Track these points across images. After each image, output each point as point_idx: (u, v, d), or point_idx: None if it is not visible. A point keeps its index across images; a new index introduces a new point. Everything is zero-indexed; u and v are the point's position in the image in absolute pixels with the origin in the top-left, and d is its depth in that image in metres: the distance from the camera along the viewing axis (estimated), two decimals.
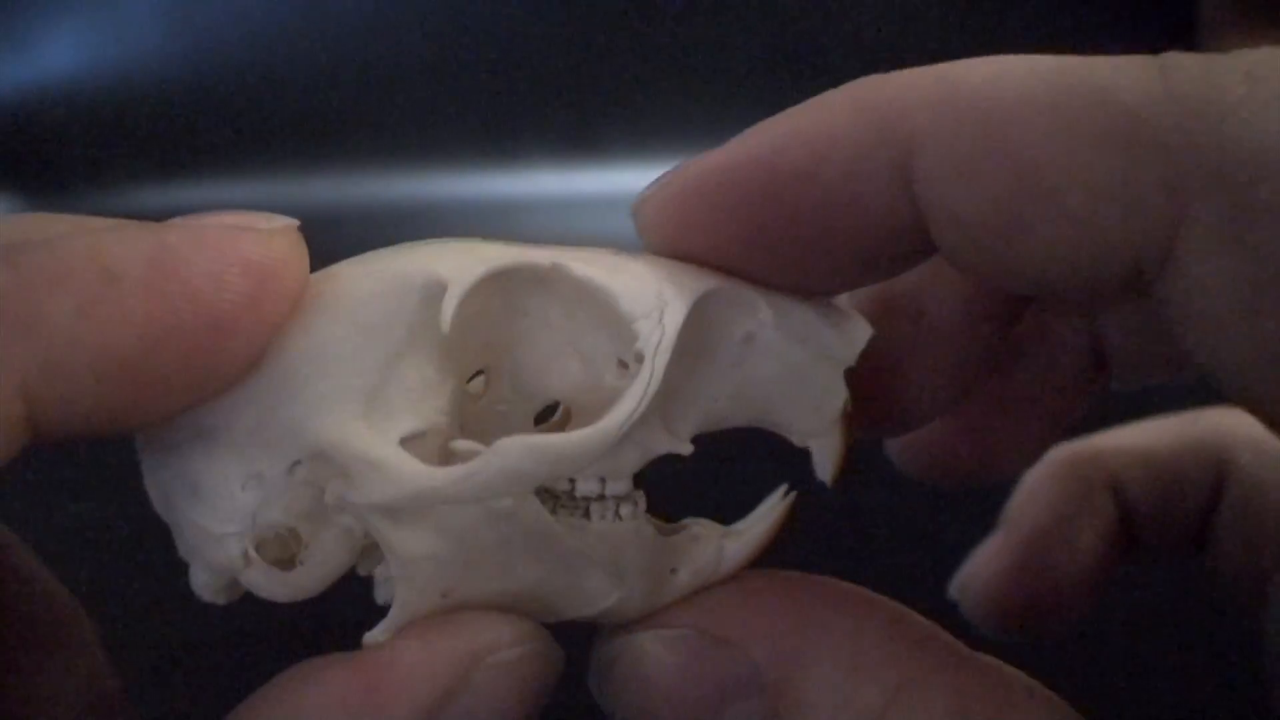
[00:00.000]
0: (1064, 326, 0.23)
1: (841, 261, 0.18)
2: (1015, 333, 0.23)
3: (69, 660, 0.19)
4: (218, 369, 0.16)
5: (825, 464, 0.20)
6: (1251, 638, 0.23)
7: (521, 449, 0.16)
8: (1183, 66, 0.16)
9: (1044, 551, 0.26)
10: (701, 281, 0.18)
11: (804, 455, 0.20)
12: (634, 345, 0.17)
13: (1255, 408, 0.16)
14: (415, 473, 0.16)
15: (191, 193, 0.72)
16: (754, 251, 0.18)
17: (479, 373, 0.19)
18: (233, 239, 0.16)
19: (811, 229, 0.17)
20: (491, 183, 0.72)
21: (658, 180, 0.19)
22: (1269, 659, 0.21)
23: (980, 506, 0.27)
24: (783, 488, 0.20)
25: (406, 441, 0.17)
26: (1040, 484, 0.27)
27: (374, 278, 0.18)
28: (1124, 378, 0.24)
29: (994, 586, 0.26)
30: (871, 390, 0.20)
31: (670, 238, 0.19)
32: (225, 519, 0.17)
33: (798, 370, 0.19)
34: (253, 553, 0.17)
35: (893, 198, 0.17)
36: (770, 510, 0.20)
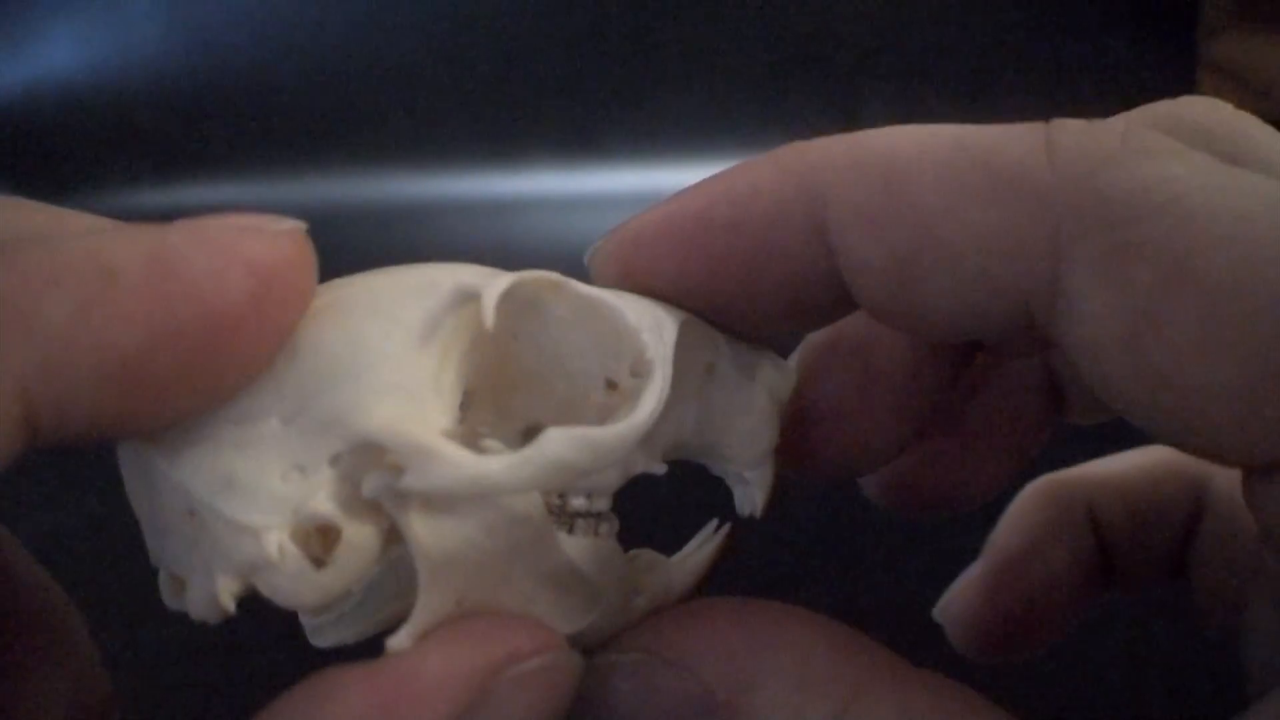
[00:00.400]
0: (1018, 364, 0.25)
1: (769, 308, 0.20)
2: (972, 370, 0.24)
3: (59, 661, 0.19)
4: (221, 371, 0.16)
5: (755, 496, 0.21)
6: (1233, 662, 0.23)
7: (568, 438, 0.17)
8: (1065, 129, 0.17)
9: (1018, 577, 0.27)
10: (677, 310, 0.19)
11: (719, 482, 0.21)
12: (643, 355, 0.18)
13: (1147, 428, 0.17)
14: (471, 460, 0.16)
15: (191, 193, 0.72)
16: (691, 297, 0.20)
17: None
18: (236, 238, 0.16)
19: (740, 276, 0.19)
20: (491, 183, 0.72)
21: (608, 233, 0.21)
22: (1248, 683, 0.22)
23: (966, 527, 0.28)
24: (713, 521, 0.21)
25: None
26: (1018, 513, 0.28)
27: (402, 285, 0.18)
28: (1079, 413, 0.25)
29: (971, 611, 0.27)
30: (821, 434, 0.22)
31: (618, 284, 0.20)
32: (266, 511, 0.17)
33: (745, 403, 0.20)
34: (289, 545, 0.17)
35: (810, 247, 0.19)
36: (706, 541, 0.21)
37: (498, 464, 0.16)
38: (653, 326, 0.18)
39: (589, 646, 0.19)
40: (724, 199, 0.19)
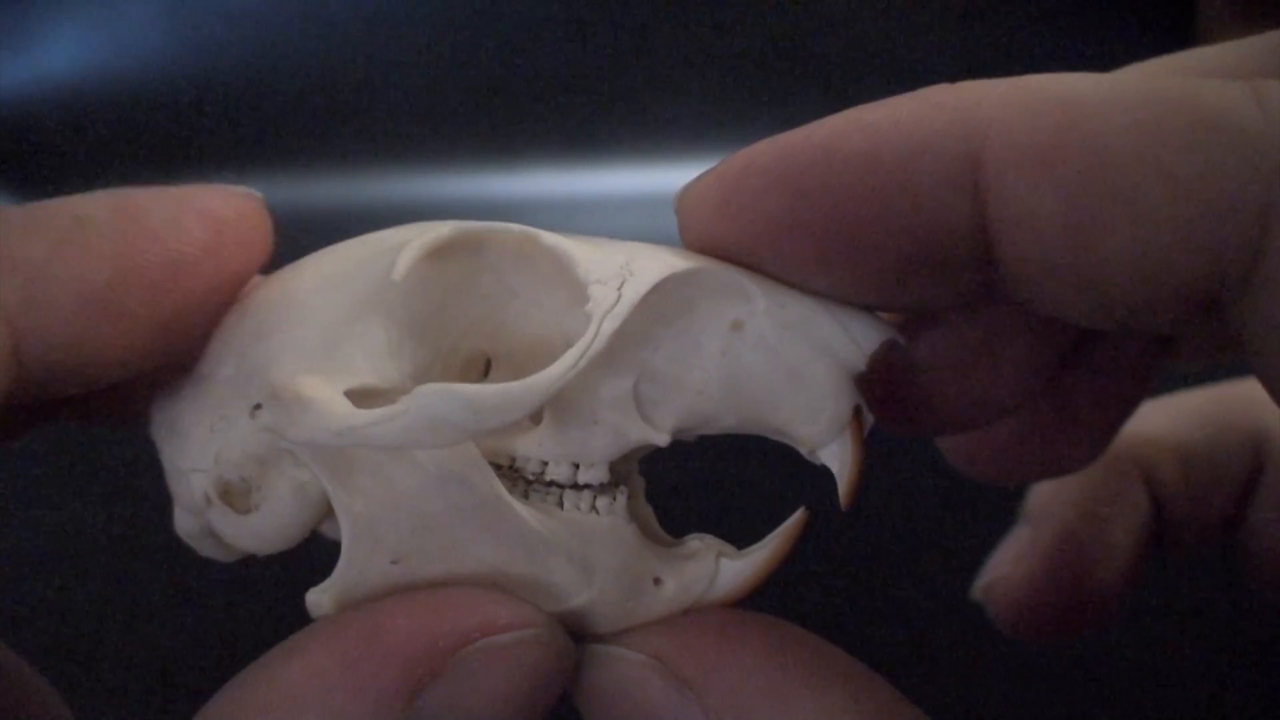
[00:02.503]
0: None
1: (888, 263, 0.16)
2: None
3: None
4: (182, 307, 0.17)
5: (838, 479, 0.18)
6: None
7: (437, 393, 0.16)
8: (1271, 84, 0.15)
9: (1076, 552, 0.24)
10: (686, 261, 0.17)
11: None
12: (585, 308, 0.17)
13: None
14: (339, 413, 0.17)
15: None
16: (798, 244, 0.17)
17: (488, 361, 0.19)
18: (191, 193, 0.18)
19: (863, 221, 0.16)
20: (491, 183, 0.72)
21: (705, 171, 0.18)
22: None
23: (986, 508, 0.27)
24: (799, 511, 0.19)
25: (359, 395, 0.17)
26: (1068, 477, 0.25)
27: (358, 244, 0.18)
28: (1193, 356, 0.22)
29: (1023, 590, 0.25)
30: (929, 388, 0.19)
31: (710, 223, 0.17)
32: (193, 457, 0.18)
33: (792, 368, 0.18)
34: (212, 493, 0.18)
35: (956, 191, 0.16)
36: (776, 534, 0.19)
37: (365, 418, 0.16)
38: (609, 278, 0.17)
39: (598, 630, 0.18)
40: (856, 129, 0.16)
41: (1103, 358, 0.21)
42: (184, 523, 0.18)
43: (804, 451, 0.18)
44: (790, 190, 0.16)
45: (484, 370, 0.19)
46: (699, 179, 0.18)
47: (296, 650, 0.16)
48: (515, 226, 0.18)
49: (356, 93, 0.74)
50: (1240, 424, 0.25)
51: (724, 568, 0.18)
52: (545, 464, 0.18)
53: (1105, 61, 0.21)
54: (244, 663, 0.16)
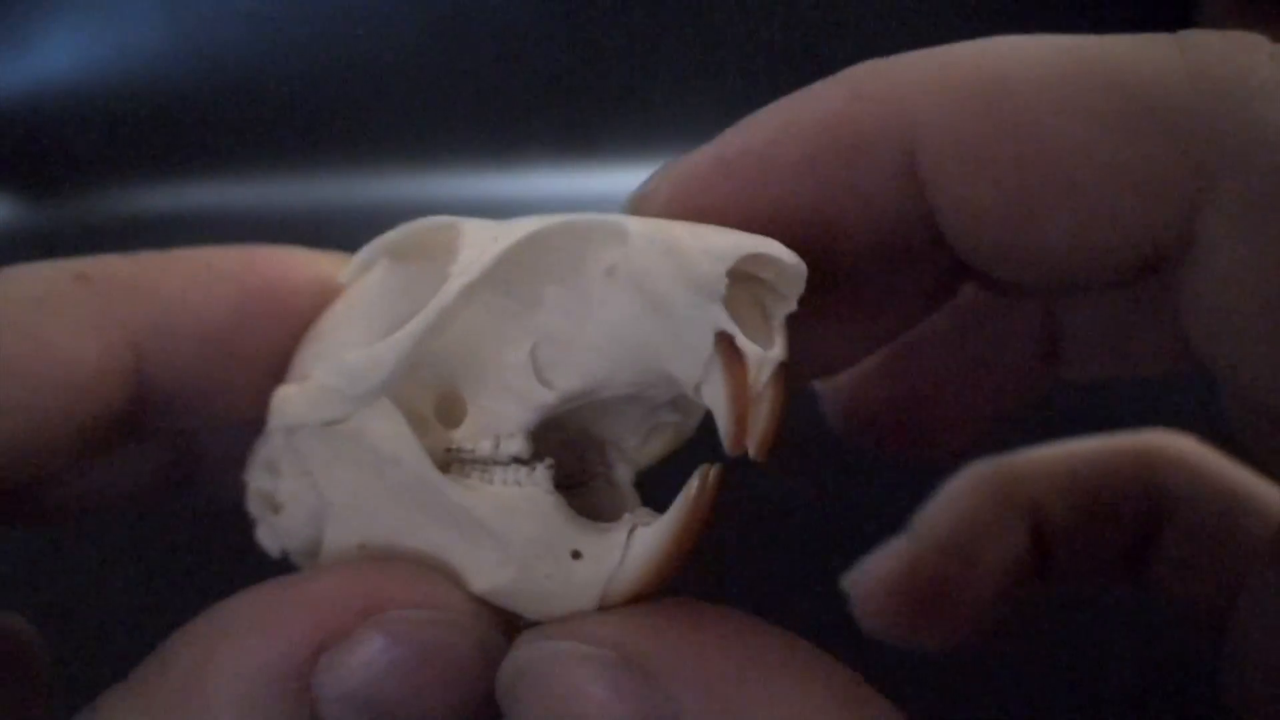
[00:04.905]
0: (1015, 307, 0.22)
1: (847, 257, 0.17)
2: (962, 305, 0.22)
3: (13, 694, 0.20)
4: (286, 354, 0.19)
5: (717, 419, 0.17)
6: (1197, 659, 0.22)
7: (323, 366, 0.18)
8: (1203, 45, 0.15)
9: (940, 564, 0.25)
10: (566, 215, 0.18)
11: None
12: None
13: (1264, 409, 0.15)
14: (279, 397, 0.19)
15: (191, 193, 0.72)
16: None
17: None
18: (311, 257, 0.20)
19: (813, 223, 0.16)
20: (491, 183, 0.72)
21: (652, 176, 0.18)
22: (1232, 673, 0.21)
23: None
24: (703, 467, 0.17)
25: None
26: (951, 495, 0.26)
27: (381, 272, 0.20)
28: (1076, 368, 0.23)
29: (882, 588, 0.25)
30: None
31: None
32: (253, 469, 0.20)
33: (657, 303, 0.16)
34: (255, 501, 0.20)
35: (897, 187, 0.16)
36: (684, 495, 0.17)
37: (281, 396, 0.18)
38: (486, 241, 0.17)
39: (527, 612, 0.17)
40: (791, 134, 0.16)
41: (983, 346, 0.22)
42: (263, 536, 0.20)
43: (693, 396, 0.17)
44: (737, 207, 0.17)
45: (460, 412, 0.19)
46: (646, 193, 0.18)
47: (239, 596, 0.17)
48: (441, 218, 0.19)
49: (356, 93, 0.74)
50: (1134, 472, 0.25)
51: (638, 536, 0.17)
52: (475, 443, 0.18)
53: None
54: None
